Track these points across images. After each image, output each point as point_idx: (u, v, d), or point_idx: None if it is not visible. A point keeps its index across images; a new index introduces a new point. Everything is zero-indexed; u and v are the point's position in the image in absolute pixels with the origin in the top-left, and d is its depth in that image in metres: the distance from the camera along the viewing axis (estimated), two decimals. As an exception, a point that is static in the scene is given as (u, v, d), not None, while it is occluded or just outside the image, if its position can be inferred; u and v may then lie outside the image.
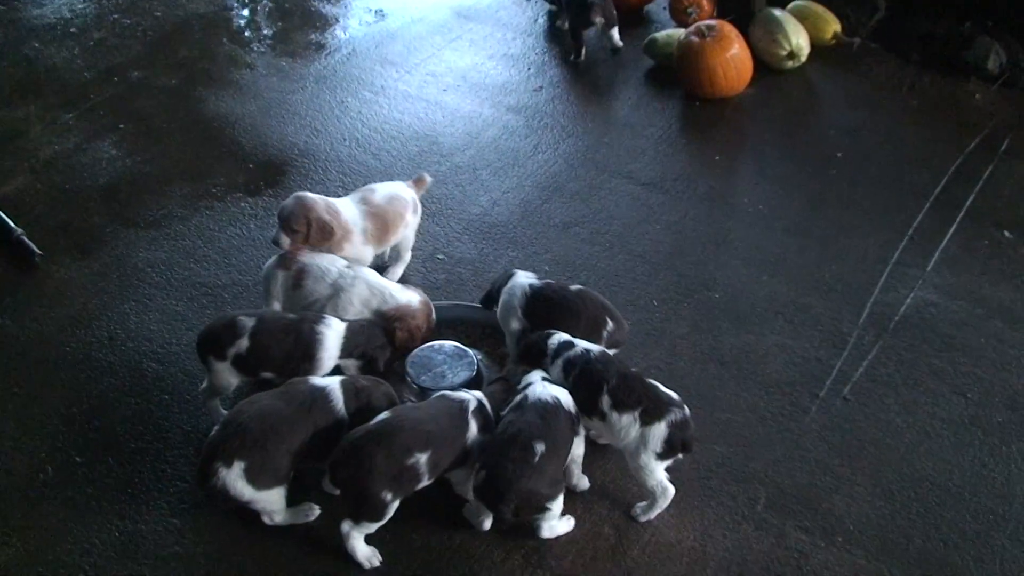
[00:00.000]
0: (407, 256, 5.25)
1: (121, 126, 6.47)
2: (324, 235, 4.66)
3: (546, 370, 4.17)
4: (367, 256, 4.92)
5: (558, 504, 3.87)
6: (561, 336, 4.23)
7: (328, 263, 4.63)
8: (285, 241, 4.66)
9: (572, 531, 4.00)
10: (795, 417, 4.47)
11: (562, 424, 3.92)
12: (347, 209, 4.85)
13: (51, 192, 5.97)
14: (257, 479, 3.83)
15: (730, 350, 4.80)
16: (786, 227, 5.56)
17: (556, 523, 3.97)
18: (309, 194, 4.74)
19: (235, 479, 3.80)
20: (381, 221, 4.91)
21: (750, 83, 6.61)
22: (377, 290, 4.59)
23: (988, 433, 4.39)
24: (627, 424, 3.93)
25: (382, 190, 5.03)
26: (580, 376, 4.06)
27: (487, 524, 3.99)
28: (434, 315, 4.70)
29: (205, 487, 3.85)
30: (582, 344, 4.18)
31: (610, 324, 4.44)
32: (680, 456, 4.01)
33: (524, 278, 4.58)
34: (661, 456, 3.94)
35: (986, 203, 5.68)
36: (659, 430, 3.90)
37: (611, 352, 4.24)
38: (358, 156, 6.18)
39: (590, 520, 4.06)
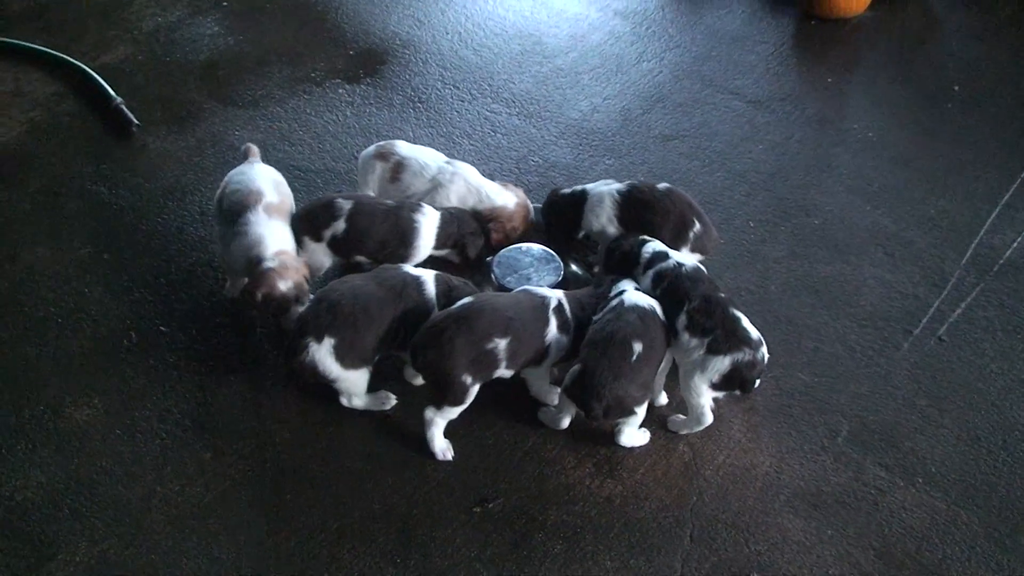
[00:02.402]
0: None
1: (225, 3, 6.44)
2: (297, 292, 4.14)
3: (636, 279, 4.10)
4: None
5: (643, 410, 3.85)
6: (656, 245, 4.15)
7: (428, 158, 4.59)
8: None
9: (647, 445, 3.96)
10: (885, 352, 4.34)
11: (659, 330, 3.88)
12: (284, 239, 4.24)
13: (151, 64, 5.99)
14: (345, 357, 3.85)
15: (824, 278, 4.66)
16: (894, 157, 5.35)
17: (636, 432, 3.93)
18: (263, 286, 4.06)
19: (324, 355, 3.83)
20: (288, 214, 4.39)
21: (870, 5, 6.33)
22: (475, 188, 4.54)
23: (1086, 388, 4.24)
24: (694, 347, 3.86)
25: (266, 186, 4.33)
26: (667, 289, 3.99)
27: (565, 423, 3.99)
28: (532, 215, 4.64)
29: (294, 362, 3.87)
30: (676, 256, 4.09)
31: (697, 226, 4.34)
32: (737, 393, 3.93)
33: (605, 186, 4.49)
34: (715, 387, 3.87)
35: (1105, 150, 5.41)
36: (721, 363, 3.81)
37: (700, 265, 4.13)
38: (460, 51, 6.08)
39: (666, 436, 4.01)
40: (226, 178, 4.46)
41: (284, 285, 4.03)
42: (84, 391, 4.15)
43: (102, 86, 5.67)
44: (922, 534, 3.70)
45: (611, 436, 3.95)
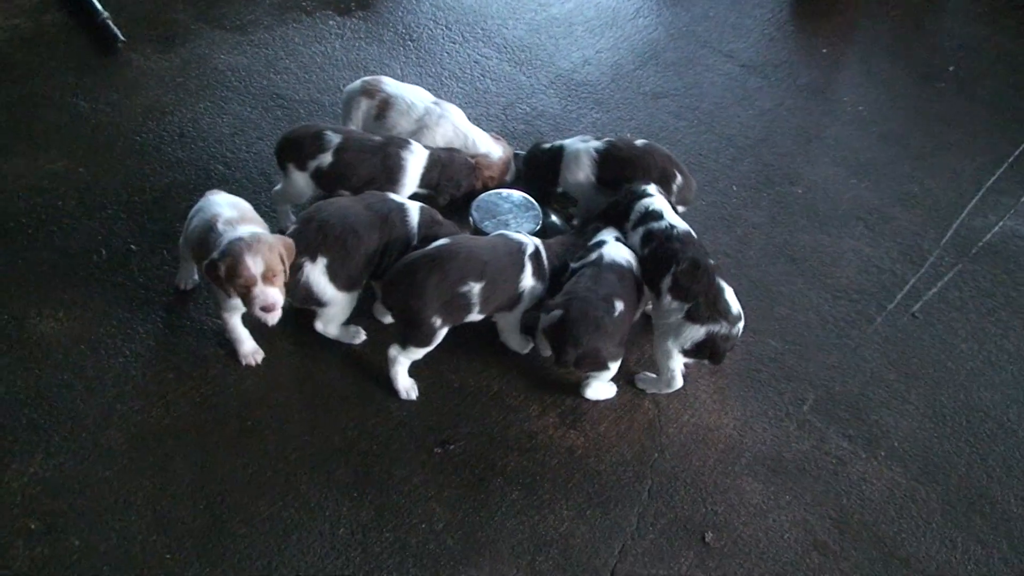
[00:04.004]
0: None
1: (220, -76, 6.33)
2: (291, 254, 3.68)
3: (624, 233, 4.08)
4: None
5: (616, 366, 3.84)
6: (652, 203, 4.08)
7: (415, 97, 4.52)
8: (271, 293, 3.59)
9: (612, 399, 3.95)
10: (858, 325, 4.33)
11: (635, 288, 3.88)
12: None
13: (141, -20, 5.89)
14: (337, 278, 3.80)
15: (803, 248, 4.65)
16: (883, 133, 5.33)
17: (603, 386, 3.92)
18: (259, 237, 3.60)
19: (319, 275, 3.77)
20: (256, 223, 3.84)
21: (872, -21, 6.32)
22: (461, 133, 4.49)
23: (1055, 374, 4.25)
24: (674, 309, 3.83)
25: (222, 209, 3.76)
26: (656, 250, 3.94)
27: (547, 353, 4.01)
28: (512, 172, 4.59)
29: (288, 283, 3.71)
30: (670, 219, 4.03)
31: (679, 178, 4.32)
32: (705, 362, 3.92)
33: (582, 143, 4.43)
34: (686, 353, 3.85)
35: (1097, 141, 5.40)
36: (696, 332, 3.79)
37: (691, 230, 4.09)
38: (453, -11, 6.02)
39: (631, 392, 3.99)
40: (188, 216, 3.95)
41: (252, 261, 3.51)
42: (50, 303, 4.09)
43: (89, 0, 5.56)
44: (879, 506, 3.70)
45: (577, 387, 3.94)
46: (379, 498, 3.56)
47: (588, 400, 3.93)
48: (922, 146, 5.28)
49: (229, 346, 3.94)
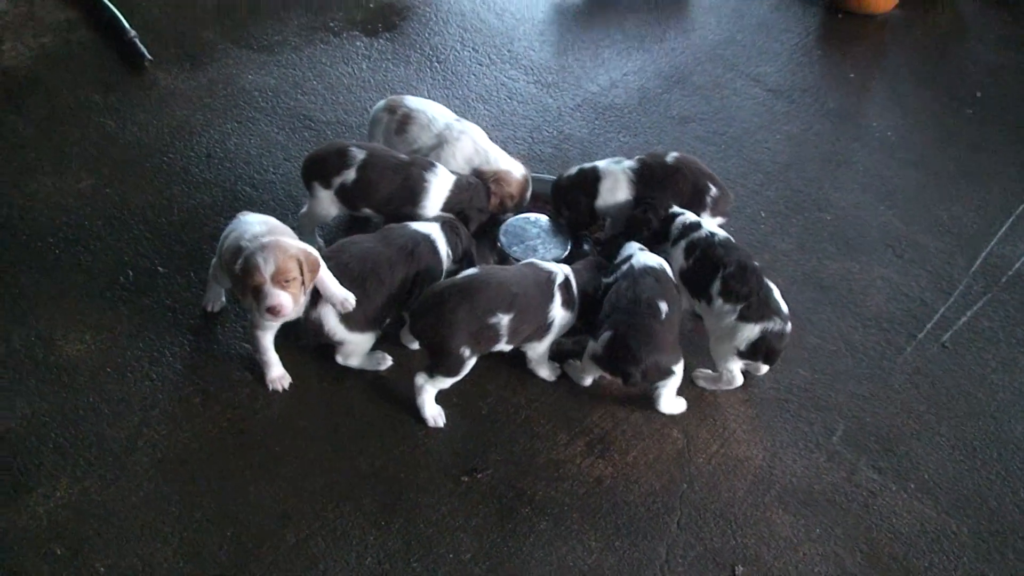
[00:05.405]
0: None
1: (247, -57, 6.35)
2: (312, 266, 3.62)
3: (667, 252, 4.11)
4: None
5: (680, 369, 3.84)
6: (688, 217, 4.14)
7: (437, 113, 4.52)
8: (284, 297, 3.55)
9: (640, 428, 3.91)
10: (888, 355, 4.29)
11: (673, 288, 3.92)
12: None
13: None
14: (353, 321, 3.80)
15: (832, 275, 4.62)
16: (911, 159, 5.30)
17: (674, 398, 3.94)
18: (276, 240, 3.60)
19: (331, 318, 3.77)
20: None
21: (899, 3, 6.28)
22: (482, 150, 4.47)
23: (1087, 407, 4.20)
24: (726, 312, 3.84)
25: (254, 229, 3.74)
26: (700, 258, 3.98)
27: (588, 381, 4.02)
28: (529, 193, 4.57)
29: (302, 318, 3.78)
30: (709, 227, 4.07)
31: (713, 190, 4.32)
32: (760, 363, 3.93)
33: (614, 164, 4.41)
34: (741, 355, 3.87)
35: (1125, 167, 5.36)
36: (751, 331, 3.82)
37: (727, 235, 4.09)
38: (481, 13, 6.01)
39: (660, 421, 3.96)
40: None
41: (263, 261, 3.50)
42: (76, 325, 4.09)
43: (117, 17, 5.58)
44: (910, 540, 3.66)
45: (605, 416, 3.93)
46: (406, 527, 3.54)
47: (616, 428, 3.90)
48: (950, 172, 5.25)
49: (257, 370, 3.93)
